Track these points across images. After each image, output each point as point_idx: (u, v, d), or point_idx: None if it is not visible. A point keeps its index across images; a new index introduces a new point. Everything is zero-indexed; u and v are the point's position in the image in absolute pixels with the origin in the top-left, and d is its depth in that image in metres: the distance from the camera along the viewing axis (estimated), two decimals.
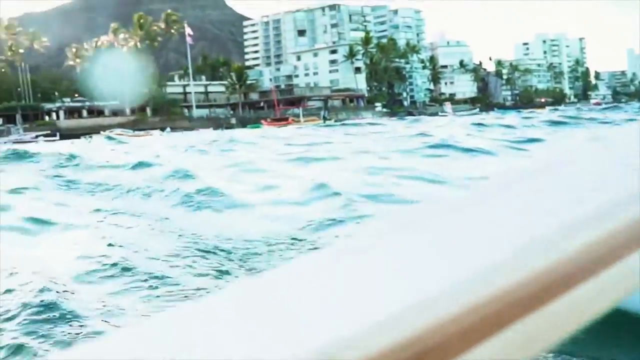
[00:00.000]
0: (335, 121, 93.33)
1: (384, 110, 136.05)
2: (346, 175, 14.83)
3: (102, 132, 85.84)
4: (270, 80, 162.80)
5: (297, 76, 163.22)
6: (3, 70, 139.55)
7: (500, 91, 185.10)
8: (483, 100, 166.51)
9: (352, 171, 16.50)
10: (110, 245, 8.46)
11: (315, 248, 7.13)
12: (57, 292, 6.35)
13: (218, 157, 26.70)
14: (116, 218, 11.60)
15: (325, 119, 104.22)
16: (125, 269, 7.18)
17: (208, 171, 18.07)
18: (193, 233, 9.34)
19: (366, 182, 13.62)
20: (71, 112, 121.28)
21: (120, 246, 8.48)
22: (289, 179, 15.33)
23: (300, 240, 8.69)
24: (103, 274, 7.13)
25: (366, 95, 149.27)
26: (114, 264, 7.35)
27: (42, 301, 5.89)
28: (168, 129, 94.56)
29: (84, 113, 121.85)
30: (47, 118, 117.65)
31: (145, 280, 6.78)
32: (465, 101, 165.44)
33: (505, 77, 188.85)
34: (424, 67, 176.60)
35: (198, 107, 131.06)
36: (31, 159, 28.43)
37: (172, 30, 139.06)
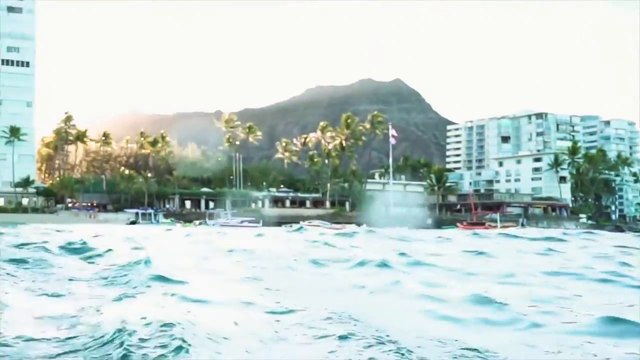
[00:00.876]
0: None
1: (589, 222, 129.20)
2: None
3: (301, 222, 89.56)
4: (470, 184, 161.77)
5: (497, 181, 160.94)
6: (220, 159, 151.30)
7: None
8: None
9: None
10: None
11: None
12: None
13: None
14: None
15: (523, 225, 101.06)
16: None
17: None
18: None
19: None
20: (276, 202, 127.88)
21: None
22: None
23: None
24: None
25: (570, 205, 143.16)
26: None
27: None
28: (364, 225, 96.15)
29: (287, 203, 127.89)
30: (253, 205, 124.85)
31: None
32: None
33: None
34: (636, 181, 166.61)
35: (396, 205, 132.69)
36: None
37: (377, 131, 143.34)
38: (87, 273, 14.17)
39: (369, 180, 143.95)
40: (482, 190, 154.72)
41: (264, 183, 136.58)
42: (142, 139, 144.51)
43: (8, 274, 12.79)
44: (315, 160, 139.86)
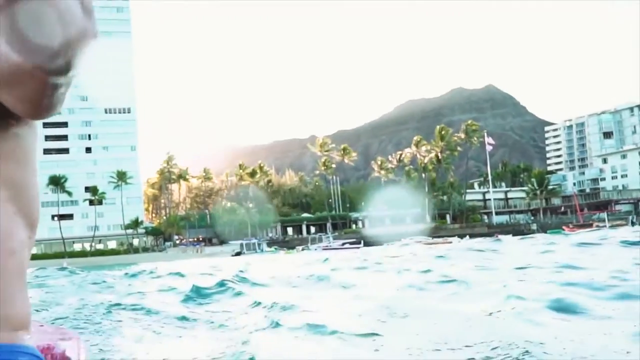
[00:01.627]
0: None
1: None
2: None
3: (402, 240, 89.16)
4: (574, 184, 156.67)
5: (603, 179, 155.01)
6: (317, 183, 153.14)
7: None
8: None
9: None
10: None
11: None
12: None
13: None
14: None
15: (633, 223, 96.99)
16: None
17: None
18: None
19: None
20: (375, 221, 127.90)
21: None
22: None
23: None
24: None
25: None
26: None
27: None
28: (467, 237, 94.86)
29: (387, 221, 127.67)
30: (353, 226, 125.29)
31: None
32: None
33: None
34: None
35: (497, 213, 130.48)
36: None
37: (472, 140, 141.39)
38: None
39: (468, 190, 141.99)
40: (587, 190, 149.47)
41: (363, 203, 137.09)
42: (241, 170, 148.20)
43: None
44: (412, 175, 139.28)
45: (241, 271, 24.00)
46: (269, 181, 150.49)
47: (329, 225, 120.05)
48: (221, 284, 17.49)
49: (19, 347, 1.14)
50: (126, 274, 29.26)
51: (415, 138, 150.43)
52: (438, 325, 9.57)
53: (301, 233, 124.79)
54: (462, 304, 11.66)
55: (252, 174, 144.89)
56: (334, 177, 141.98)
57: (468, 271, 19.34)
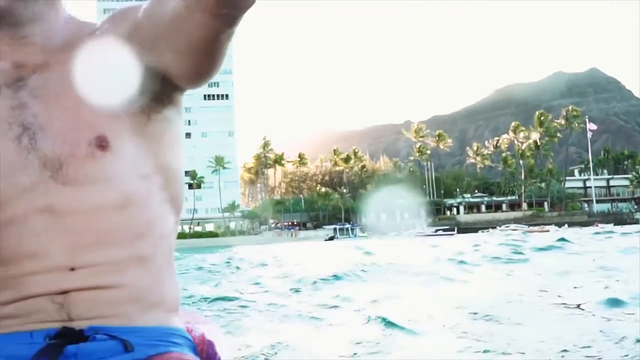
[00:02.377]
0: None
1: None
2: None
3: (497, 227, 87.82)
4: None
5: None
6: (411, 169, 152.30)
7: None
8: None
9: None
10: None
11: None
12: None
13: None
14: None
15: None
16: None
17: None
18: None
19: None
20: (470, 207, 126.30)
21: None
22: None
23: None
24: None
25: None
26: None
27: None
28: (565, 225, 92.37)
29: (482, 208, 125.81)
30: (448, 213, 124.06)
31: None
32: None
33: None
34: None
35: (598, 201, 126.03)
36: None
37: (573, 126, 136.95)
38: None
39: (568, 177, 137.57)
40: None
41: (457, 190, 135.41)
42: (336, 156, 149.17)
43: None
44: (509, 162, 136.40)
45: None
46: (363, 167, 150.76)
47: (422, 211, 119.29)
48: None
49: (173, 330, 1.23)
50: (228, 261, 25.80)
51: (513, 124, 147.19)
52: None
53: (394, 219, 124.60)
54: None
55: (347, 160, 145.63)
56: (429, 163, 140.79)
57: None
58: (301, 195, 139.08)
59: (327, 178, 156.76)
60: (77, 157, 1.13)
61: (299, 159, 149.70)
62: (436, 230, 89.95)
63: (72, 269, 1.12)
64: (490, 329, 8.08)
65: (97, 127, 1.13)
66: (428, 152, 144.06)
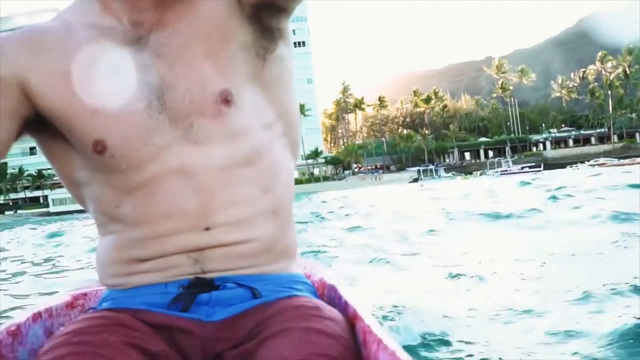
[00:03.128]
0: None
1: None
2: None
3: (586, 162, 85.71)
4: None
5: None
6: (494, 106, 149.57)
7: None
8: None
9: None
10: None
11: None
12: None
13: None
14: None
15: None
16: None
17: None
18: None
19: None
20: (557, 143, 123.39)
21: None
22: None
23: None
24: None
25: None
26: None
27: None
28: None
29: (570, 143, 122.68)
30: (534, 149, 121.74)
31: None
32: None
33: None
34: None
35: None
36: None
37: None
38: None
39: None
40: None
41: (543, 125, 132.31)
42: (416, 97, 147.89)
43: None
44: (597, 93, 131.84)
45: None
46: (445, 106, 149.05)
47: (507, 149, 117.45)
48: None
49: (295, 276, 1.27)
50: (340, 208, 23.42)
51: (599, 53, 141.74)
52: None
53: (479, 158, 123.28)
54: None
55: (427, 100, 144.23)
56: (512, 99, 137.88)
57: None
58: (383, 139, 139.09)
59: (408, 120, 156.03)
60: (205, 115, 1.13)
61: (379, 102, 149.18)
62: (522, 168, 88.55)
63: (207, 229, 1.14)
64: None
65: (220, 82, 1.13)
66: (511, 87, 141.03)
